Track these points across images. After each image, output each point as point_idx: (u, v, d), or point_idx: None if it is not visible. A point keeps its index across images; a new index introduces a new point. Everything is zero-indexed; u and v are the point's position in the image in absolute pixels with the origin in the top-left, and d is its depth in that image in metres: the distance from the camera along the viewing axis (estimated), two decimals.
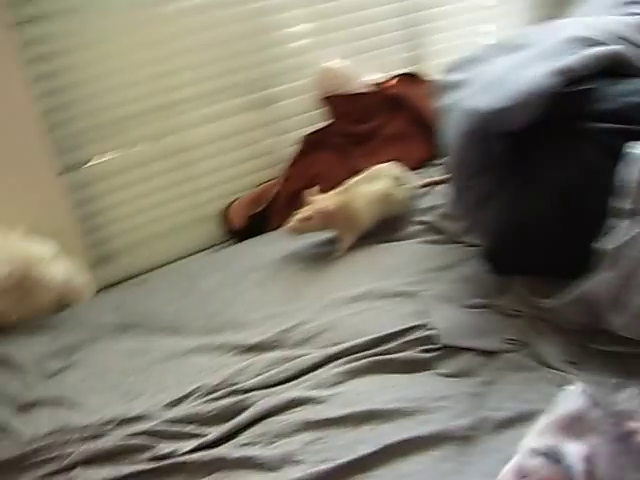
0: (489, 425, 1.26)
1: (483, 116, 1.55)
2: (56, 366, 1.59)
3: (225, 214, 2.26)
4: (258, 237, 2.05)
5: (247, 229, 2.19)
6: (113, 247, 2.11)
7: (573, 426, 0.80)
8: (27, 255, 1.70)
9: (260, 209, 2.22)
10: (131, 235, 2.13)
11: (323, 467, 1.22)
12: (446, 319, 1.56)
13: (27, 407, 1.48)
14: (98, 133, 1.99)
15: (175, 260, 2.11)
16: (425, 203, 2.03)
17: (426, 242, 1.88)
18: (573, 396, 0.87)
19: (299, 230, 1.83)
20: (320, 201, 1.84)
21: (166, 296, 1.77)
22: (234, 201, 2.27)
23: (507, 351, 1.47)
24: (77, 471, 1.30)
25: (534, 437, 0.85)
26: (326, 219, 1.83)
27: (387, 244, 1.88)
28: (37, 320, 1.76)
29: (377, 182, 1.92)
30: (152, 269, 2.06)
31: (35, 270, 1.70)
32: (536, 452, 0.81)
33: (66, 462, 1.31)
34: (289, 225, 1.83)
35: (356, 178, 1.93)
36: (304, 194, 1.89)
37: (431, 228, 1.93)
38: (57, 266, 1.74)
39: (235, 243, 2.16)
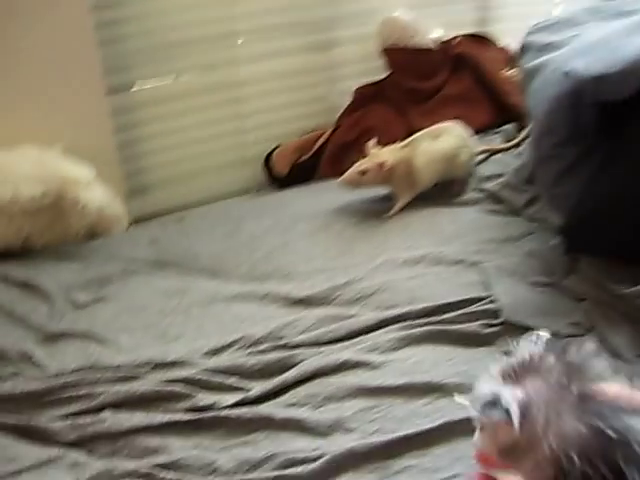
0: None
1: (582, 80, 1.41)
2: (85, 298, 1.48)
3: (268, 159, 2.13)
4: (306, 186, 1.93)
5: (290, 177, 2.08)
6: (149, 180, 2.00)
7: (519, 372, 0.79)
8: (63, 176, 1.58)
9: (306, 158, 2.11)
10: (169, 169, 2.02)
11: (377, 438, 1.11)
12: (508, 294, 1.44)
13: (53, 338, 1.37)
14: (149, 56, 1.88)
15: (212, 201, 1.98)
16: (485, 170, 1.91)
17: (486, 211, 1.76)
18: (531, 343, 0.83)
19: (354, 183, 1.71)
20: (379, 154, 1.71)
21: (207, 236, 1.65)
22: (278, 146, 2.15)
23: (571, 335, 1.34)
24: (107, 413, 1.18)
25: (481, 384, 0.82)
26: (384, 174, 1.71)
27: (445, 208, 1.76)
28: (66, 247, 1.65)
29: (441, 140, 1.79)
30: (187, 208, 1.93)
31: (71, 192, 1.57)
32: (479, 399, 0.81)
33: (95, 402, 1.20)
34: (344, 177, 1.71)
35: (419, 134, 1.80)
36: (364, 146, 1.76)
37: (491, 197, 1.81)
38: (93, 191, 1.62)
39: (276, 190, 2.03)
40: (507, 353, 0.86)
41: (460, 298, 1.41)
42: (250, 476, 1.07)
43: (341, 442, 1.11)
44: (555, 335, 0.92)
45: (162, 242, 1.65)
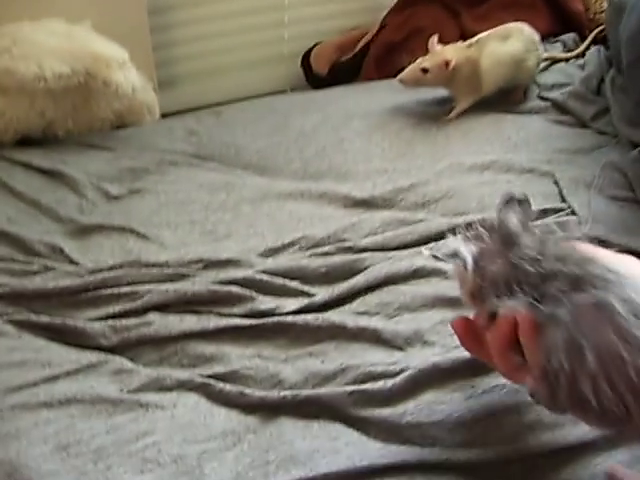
0: None
1: None
2: (119, 190, 1.32)
3: (307, 57, 1.97)
4: (356, 84, 1.76)
5: (330, 77, 1.93)
6: (179, 71, 1.83)
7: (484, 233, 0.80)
8: (95, 53, 1.40)
9: (347, 58, 1.95)
10: (201, 61, 1.87)
11: (460, 354, 0.96)
12: (586, 207, 1.29)
13: (85, 231, 1.22)
14: None
15: (245, 99, 1.81)
16: (548, 79, 1.74)
17: (552, 121, 1.60)
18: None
19: (414, 81, 1.54)
20: (443, 52, 1.54)
21: (250, 131, 1.49)
22: (318, 44, 1.98)
23: None
24: (153, 316, 1.04)
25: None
26: (448, 74, 1.53)
27: (508, 115, 1.60)
28: (93, 136, 1.48)
29: (510, 42, 1.61)
30: (218, 104, 1.76)
31: (102, 72, 1.39)
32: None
33: (140, 303, 1.05)
34: (404, 74, 1.54)
35: (485, 34, 1.62)
36: (413, 47, 1.59)
37: (557, 107, 1.65)
38: (126, 74, 1.44)
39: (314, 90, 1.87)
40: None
41: (538, 208, 1.27)
42: (321, 390, 0.94)
43: (422, 356, 0.98)
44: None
45: (201, 135, 1.48)
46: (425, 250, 0.94)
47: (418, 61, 1.54)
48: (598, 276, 0.72)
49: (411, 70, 1.54)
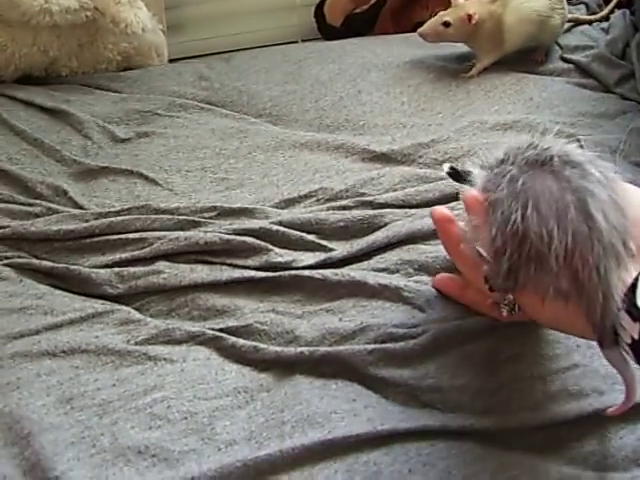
0: None
1: None
2: (127, 132, 1.26)
3: (321, 7, 1.89)
4: (372, 37, 1.69)
5: (344, 29, 1.85)
6: (191, 14, 1.76)
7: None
8: None
9: (363, 9, 1.87)
10: (214, 5, 1.79)
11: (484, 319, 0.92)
12: (613, 171, 1.24)
13: (91, 174, 1.16)
14: None
15: (257, 47, 1.74)
16: (570, 41, 1.68)
17: (575, 84, 1.54)
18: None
19: (435, 35, 1.48)
20: (465, 6, 1.47)
21: (263, 78, 1.42)
22: None
23: None
24: (162, 264, 0.98)
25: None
26: (470, 29, 1.47)
27: (530, 75, 1.54)
28: (99, 77, 1.41)
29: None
30: (231, 51, 1.69)
31: (111, 9, 1.32)
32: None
33: (149, 250, 1.00)
34: (425, 27, 1.48)
35: None
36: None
37: (580, 69, 1.60)
38: (136, 12, 1.37)
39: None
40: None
41: None
42: (339, 348, 0.89)
43: (444, 318, 0.93)
44: None
45: (212, 80, 1.42)
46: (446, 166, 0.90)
47: (440, 14, 1.48)
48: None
49: (432, 23, 1.48)
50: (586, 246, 0.70)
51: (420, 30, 1.48)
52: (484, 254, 0.79)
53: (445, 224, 0.86)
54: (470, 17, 1.46)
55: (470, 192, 0.78)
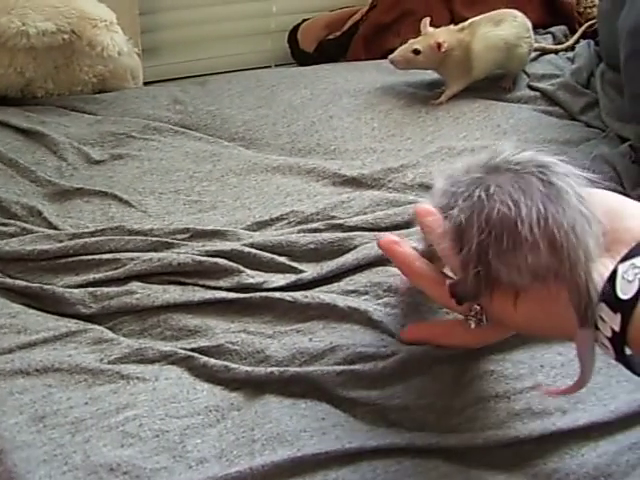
0: None
1: None
2: (101, 154, 1.27)
3: (294, 33, 1.93)
4: (344, 63, 1.73)
5: (317, 54, 1.90)
6: (166, 37, 1.79)
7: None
8: (82, 11, 1.34)
9: (336, 36, 1.92)
10: (189, 29, 1.85)
11: None
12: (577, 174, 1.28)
13: (65, 195, 1.18)
14: None
15: (231, 71, 1.77)
16: (537, 69, 1.73)
17: (541, 111, 1.59)
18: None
19: (404, 62, 1.52)
20: (434, 35, 1.51)
21: (237, 102, 1.45)
22: (306, 20, 1.94)
23: None
24: (135, 285, 1.00)
25: None
26: (439, 56, 1.51)
27: (499, 102, 1.58)
28: (74, 99, 1.43)
29: (503, 27, 1.60)
30: (205, 75, 1.72)
31: (88, 33, 1.34)
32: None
33: (122, 270, 1.01)
34: (395, 54, 1.51)
35: (477, 18, 1.60)
36: (402, 28, 1.58)
37: (546, 97, 1.64)
38: (113, 36, 1.39)
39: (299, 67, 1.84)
40: None
41: None
42: (309, 369, 0.91)
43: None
44: None
45: (186, 103, 1.44)
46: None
47: (410, 42, 1.52)
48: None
49: (403, 50, 1.51)
50: (557, 211, 0.68)
51: (391, 57, 1.52)
52: (447, 263, 0.80)
53: (392, 246, 0.88)
54: (439, 45, 1.50)
55: (420, 204, 0.80)
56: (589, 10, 1.93)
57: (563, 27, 1.93)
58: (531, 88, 1.67)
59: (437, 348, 0.93)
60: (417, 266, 0.86)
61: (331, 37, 1.92)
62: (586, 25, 1.87)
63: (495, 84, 1.64)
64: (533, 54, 1.78)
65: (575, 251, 0.69)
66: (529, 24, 1.65)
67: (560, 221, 0.68)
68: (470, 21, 1.60)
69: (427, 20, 1.54)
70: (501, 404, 0.89)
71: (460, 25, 1.59)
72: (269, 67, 1.92)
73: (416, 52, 1.51)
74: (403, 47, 1.52)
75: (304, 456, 0.81)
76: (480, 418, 0.87)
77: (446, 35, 1.53)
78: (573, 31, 1.89)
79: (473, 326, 0.83)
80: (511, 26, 1.61)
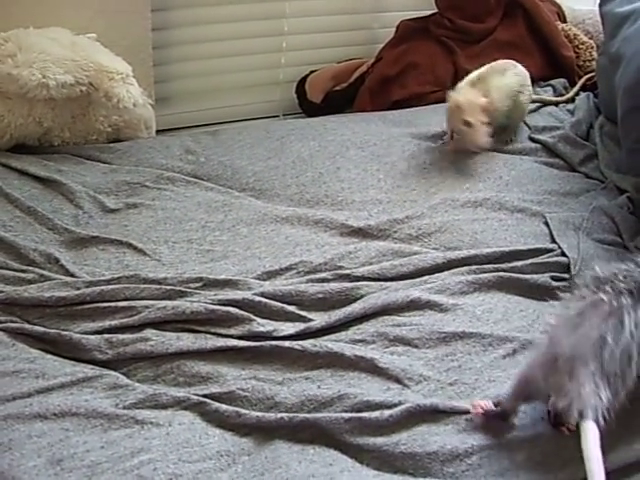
0: None
1: None
2: (116, 204, 1.32)
3: (302, 84, 1.98)
4: (351, 114, 1.77)
5: (324, 105, 1.94)
6: (179, 88, 1.85)
7: None
8: (99, 66, 1.40)
9: (343, 86, 1.97)
10: (201, 80, 1.89)
11: (458, 389, 1.00)
12: (575, 249, 1.32)
13: (81, 242, 1.22)
14: None
15: (240, 120, 1.82)
16: (538, 121, 1.77)
17: (542, 163, 1.63)
18: None
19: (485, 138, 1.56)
20: (465, 97, 1.55)
21: (247, 154, 1.49)
22: (313, 72, 1.99)
23: None
24: (150, 332, 1.03)
25: None
26: (490, 110, 1.55)
27: (500, 154, 1.62)
28: (90, 148, 1.47)
29: (507, 75, 1.64)
30: (211, 124, 1.77)
31: (105, 84, 1.39)
32: None
33: (137, 318, 1.05)
34: (482, 142, 1.55)
35: (482, 70, 1.65)
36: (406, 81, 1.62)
37: (547, 149, 1.68)
38: (128, 88, 1.44)
39: (306, 117, 1.89)
40: None
41: (529, 247, 1.31)
42: (317, 415, 0.94)
43: (418, 390, 0.99)
44: None
45: (198, 154, 1.48)
46: None
47: (464, 122, 1.53)
48: None
49: (478, 133, 1.54)
50: None
51: (477, 147, 1.55)
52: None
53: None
54: (483, 106, 1.53)
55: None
56: (588, 63, 1.98)
57: (563, 80, 1.98)
58: (532, 140, 1.71)
59: (444, 403, 0.97)
60: None
61: (338, 88, 1.97)
62: (585, 78, 1.92)
63: (497, 136, 1.67)
64: (534, 106, 1.83)
65: None
66: (527, 74, 1.71)
67: None
68: (478, 74, 1.64)
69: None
70: (503, 453, 0.92)
71: (468, 79, 1.63)
72: (277, 117, 1.96)
73: (470, 124, 1.52)
74: (476, 133, 1.54)
75: None
76: (483, 466, 0.90)
77: (470, 95, 1.56)
78: (573, 84, 1.94)
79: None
80: (514, 74, 1.66)
